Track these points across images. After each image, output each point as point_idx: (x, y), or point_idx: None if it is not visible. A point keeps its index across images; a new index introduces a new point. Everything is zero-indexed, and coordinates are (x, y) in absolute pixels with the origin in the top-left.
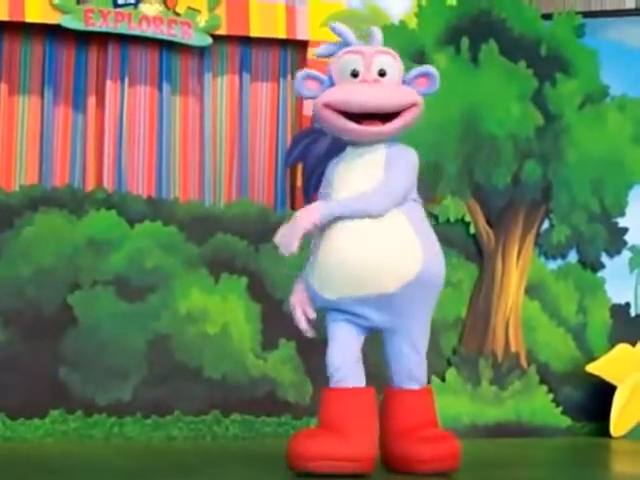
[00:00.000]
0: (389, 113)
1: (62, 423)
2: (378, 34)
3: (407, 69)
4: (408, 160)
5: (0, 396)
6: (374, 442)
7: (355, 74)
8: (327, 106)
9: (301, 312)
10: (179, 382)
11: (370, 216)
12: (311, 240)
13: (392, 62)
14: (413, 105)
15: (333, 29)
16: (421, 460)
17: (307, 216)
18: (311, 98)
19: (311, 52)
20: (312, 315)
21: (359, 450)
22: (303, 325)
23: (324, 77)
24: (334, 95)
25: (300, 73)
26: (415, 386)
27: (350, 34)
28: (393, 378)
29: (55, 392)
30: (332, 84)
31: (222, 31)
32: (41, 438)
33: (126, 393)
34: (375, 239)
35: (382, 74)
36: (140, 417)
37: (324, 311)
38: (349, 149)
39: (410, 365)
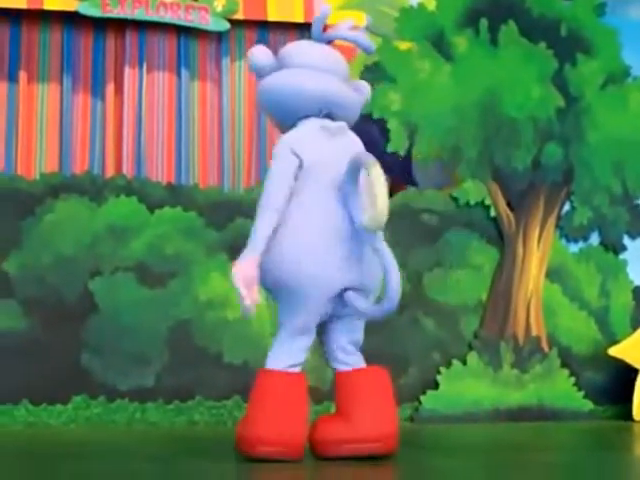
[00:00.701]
0: None
1: (85, 409)
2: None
3: (426, 52)
4: None
5: (23, 383)
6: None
7: None
8: None
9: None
10: (200, 367)
11: None
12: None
13: None
14: None
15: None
16: None
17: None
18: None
19: None
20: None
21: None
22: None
23: None
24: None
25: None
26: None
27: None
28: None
29: (77, 378)
30: None
31: (239, 16)
32: (64, 424)
33: (148, 379)
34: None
35: None
36: (162, 402)
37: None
38: None
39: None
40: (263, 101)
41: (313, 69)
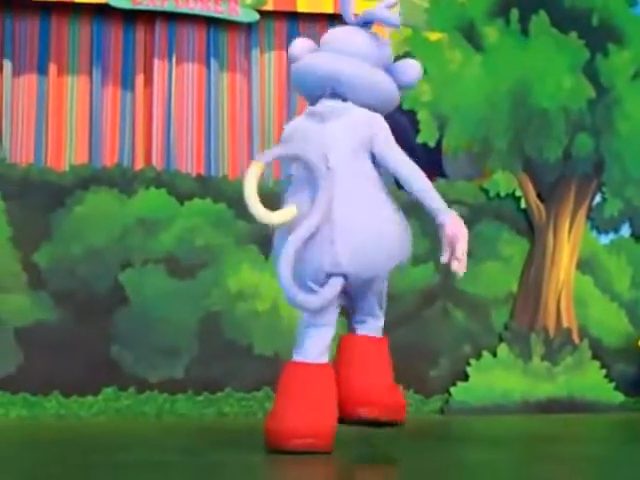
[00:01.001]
0: None
1: (115, 400)
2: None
3: (457, 43)
4: None
5: (54, 375)
6: None
7: None
8: None
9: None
10: (230, 359)
11: None
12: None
13: None
14: None
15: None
16: None
17: None
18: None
19: None
20: None
21: None
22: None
23: None
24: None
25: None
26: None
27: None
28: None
29: (108, 370)
30: None
31: (269, 7)
32: (94, 415)
33: (178, 370)
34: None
35: None
36: (192, 394)
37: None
38: None
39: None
40: (291, 84)
41: (336, 52)
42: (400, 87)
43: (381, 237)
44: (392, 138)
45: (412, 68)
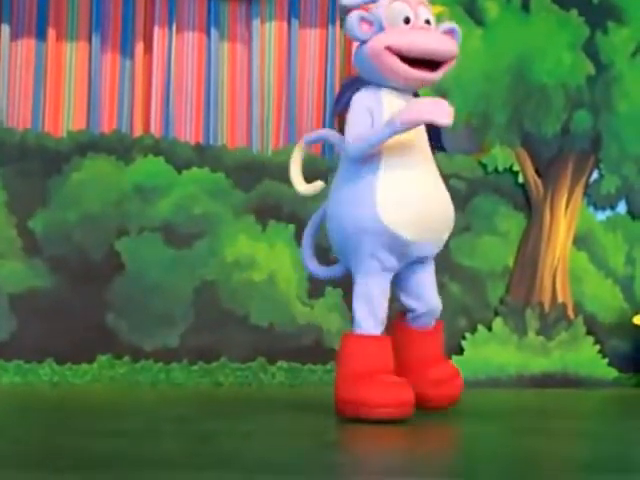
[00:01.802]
0: (434, 62)
1: (109, 368)
2: None
3: (458, 16)
4: None
5: (48, 342)
6: None
7: (407, 21)
8: (389, 49)
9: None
10: (226, 329)
11: None
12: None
13: (430, 13)
14: (454, 58)
15: None
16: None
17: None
18: (362, 41)
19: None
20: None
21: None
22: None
23: (375, 21)
24: (396, 39)
25: (354, 14)
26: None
27: None
28: (415, 319)
29: (102, 338)
30: (381, 29)
31: None
32: (89, 383)
33: (173, 339)
34: (444, 192)
35: (428, 22)
36: (187, 363)
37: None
38: (388, 90)
39: (437, 306)
40: None
41: None
42: None
43: None
44: None
45: None
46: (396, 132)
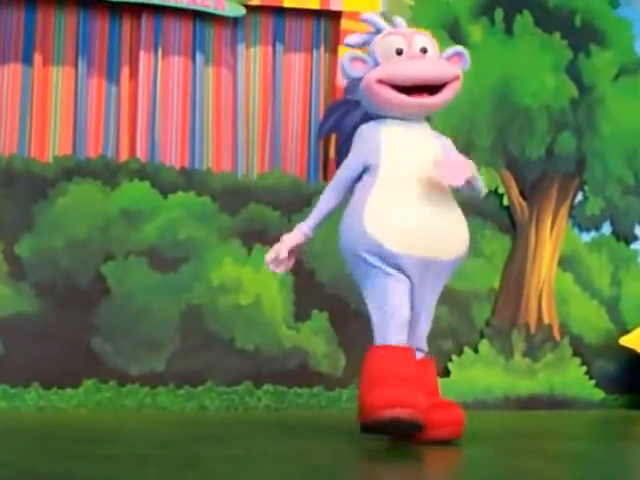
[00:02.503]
0: (435, 87)
1: (95, 393)
2: (402, 23)
3: (442, 40)
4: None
5: (34, 366)
6: None
7: (399, 52)
8: (380, 82)
9: (286, 251)
10: (211, 353)
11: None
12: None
13: (430, 41)
14: (456, 78)
15: (365, 19)
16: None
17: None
18: (359, 79)
19: (344, 24)
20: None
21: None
22: (281, 255)
23: (368, 58)
24: (386, 70)
25: (346, 56)
26: (423, 355)
27: (380, 21)
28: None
29: (88, 362)
30: (376, 64)
31: (255, 1)
32: (75, 408)
33: (159, 363)
34: (448, 209)
35: (424, 51)
36: (173, 387)
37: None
38: (390, 121)
39: (423, 333)
40: None
41: None
42: None
43: None
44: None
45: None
46: None
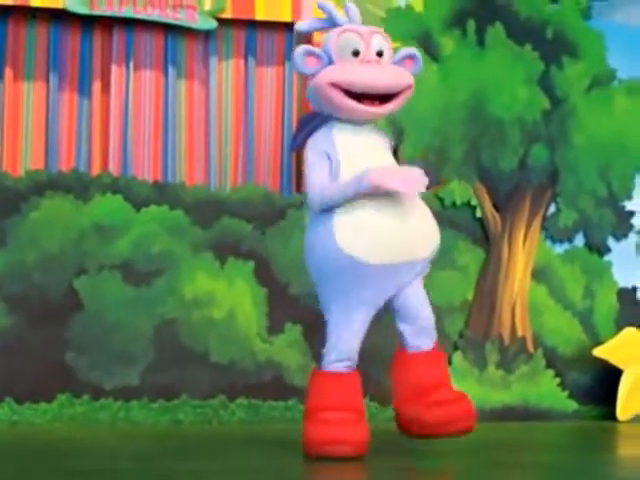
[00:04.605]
0: (388, 94)
1: (69, 407)
2: (354, 10)
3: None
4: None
5: (7, 381)
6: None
7: (356, 53)
8: (333, 85)
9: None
10: (185, 367)
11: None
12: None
13: (386, 43)
14: (409, 88)
15: (321, 6)
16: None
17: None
18: (310, 75)
19: (316, 37)
20: None
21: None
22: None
23: (323, 54)
24: (341, 74)
25: (300, 49)
26: (430, 346)
27: (336, 12)
28: (408, 340)
29: (62, 377)
30: (330, 61)
31: (227, 14)
32: (48, 422)
33: (133, 378)
34: (417, 211)
35: (380, 54)
36: (146, 401)
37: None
38: (339, 125)
39: (428, 325)
40: None
41: None
42: None
43: None
44: None
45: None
46: (360, 192)
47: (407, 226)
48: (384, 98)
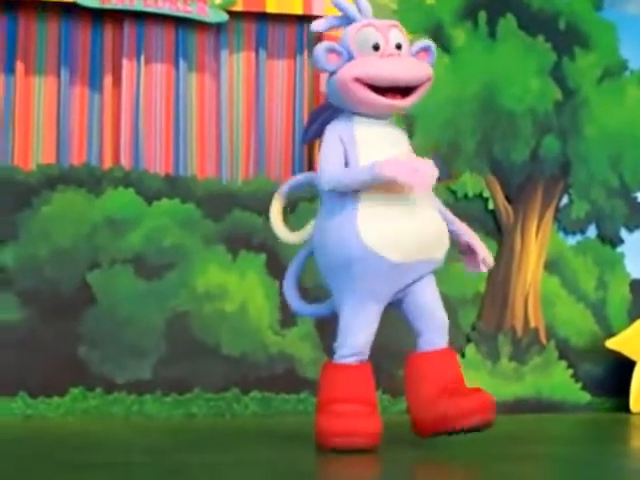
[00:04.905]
0: (408, 87)
1: (82, 401)
2: (365, 3)
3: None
4: None
5: (21, 375)
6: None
7: (376, 47)
8: (357, 80)
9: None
10: (198, 360)
11: None
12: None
13: (403, 36)
14: (429, 79)
15: (336, 4)
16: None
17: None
18: (332, 71)
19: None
20: None
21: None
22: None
23: (343, 50)
24: (364, 69)
25: (321, 45)
26: (442, 346)
27: (351, 8)
28: (423, 340)
29: (75, 370)
30: (350, 57)
31: (238, 7)
32: (62, 416)
33: (145, 371)
34: (430, 210)
35: (399, 47)
36: (159, 395)
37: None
38: (360, 119)
39: (442, 324)
40: None
41: None
42: None
43: None
44: None
45: None
46: (369, 181)
47: (426, 226)
48: (404, 91)
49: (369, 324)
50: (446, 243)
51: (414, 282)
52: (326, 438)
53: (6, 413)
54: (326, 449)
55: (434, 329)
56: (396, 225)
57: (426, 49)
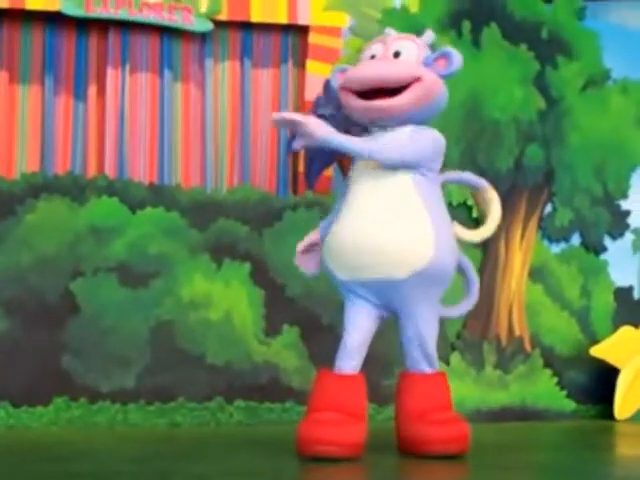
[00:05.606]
0: (396, 89)
1: (66, 411)
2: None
3: None
4: (428, 133)
5: (3, 384)
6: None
7: (373, 57)
8: (343, 88)
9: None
10: (182, 369)
11: (363, 157)
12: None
13: (409, 45)
14: (416, 79)
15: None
16: (428, 441)
17: (314, 124)
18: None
19: (312, 38)
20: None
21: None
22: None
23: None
24: (347, 75)
25: (334, 70)
26: (427, 369)
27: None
28: (406, 362)
29: (58, 380)
30: None
31: (223, 16)
32: (45, 426)
33: (129, 380)
34: (390, 223)
35: (396, 55)
36: (143, 404)
37: (340, 292)
38: (374, 130)
39: (418, 349)
40: None
41: None
42: None
43: None
44: None
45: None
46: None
47: (384, 243)
48: (392, 93)
49: (358, 334)
50: (413, 263)
51: (404, 299)
52: (303, 445)
53: None
54: (304, 455)
55: (423, 356)
56: (336, 247)
57: (445, 55)
